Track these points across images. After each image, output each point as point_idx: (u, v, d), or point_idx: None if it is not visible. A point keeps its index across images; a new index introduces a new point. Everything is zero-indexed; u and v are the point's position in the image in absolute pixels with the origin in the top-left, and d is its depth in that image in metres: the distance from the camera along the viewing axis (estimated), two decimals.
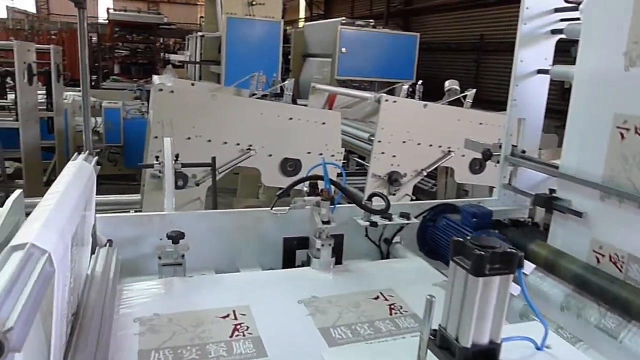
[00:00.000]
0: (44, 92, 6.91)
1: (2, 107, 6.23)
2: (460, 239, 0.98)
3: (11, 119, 5.85)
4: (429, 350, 1.00)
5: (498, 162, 2.72)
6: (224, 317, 1.69)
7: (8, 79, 6.56)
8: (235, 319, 1.69)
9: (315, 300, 1.82)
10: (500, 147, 2.68)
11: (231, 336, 1.59)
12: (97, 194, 5.29)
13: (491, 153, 2.68)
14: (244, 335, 1.60)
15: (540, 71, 2.62)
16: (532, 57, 2.61)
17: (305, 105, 5.84)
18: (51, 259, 0.97)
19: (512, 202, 2.74)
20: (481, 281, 0.94)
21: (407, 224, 2.43)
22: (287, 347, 1.57)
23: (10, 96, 6.23)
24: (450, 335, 1.00)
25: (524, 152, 2.62)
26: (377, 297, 1.87)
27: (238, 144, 4.23)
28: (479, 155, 4.61)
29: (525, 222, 2.64)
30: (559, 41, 2.63)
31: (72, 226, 1.26)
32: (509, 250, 0.94)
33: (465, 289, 0.97)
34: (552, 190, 2.37)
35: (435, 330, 1.04)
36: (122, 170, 7.90)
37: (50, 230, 1.05)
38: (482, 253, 0.92)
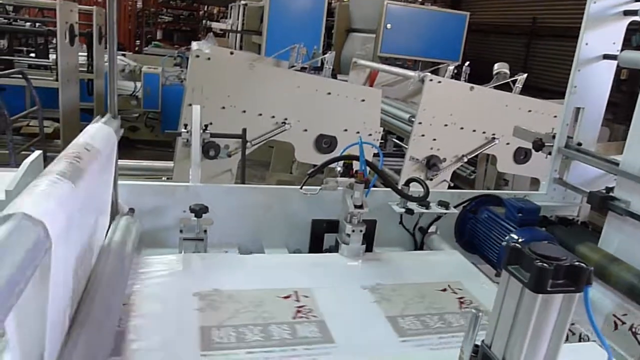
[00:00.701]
0: (86, 54, 6.93)
1: (44, 66, 6.26)
2: (518, 245, 0.82)
3: (52, 78, 5.87)
4: None
5: (549, 153, 2.51)
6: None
7: (54, 40, 6.58)
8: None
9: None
10: (553, 137, 2.47)
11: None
12: (132, 159, 5.26)
13: (543, 143, 2.47)
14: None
15: (606, 56, 2.37)
16: (599, 40, 2.35)
17: (345, 81, 5.65)
18: (47, 230, 0.87)
19: (561, 198, 2.53)
20: (540, 298, 0.79)
21: (445, 213, 2.26)
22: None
23: (52, 56, 6.25)
24: (495, 356, 0.85)
25: (580, 144, 2.40)
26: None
27: (273, 117, 4.09)
28: (524, 144, 4.40)
29: (574, 220, 2.44)
30: None
31: (81, 192, 1.16)
32: (577, 263, 0.78)
33: (519, 305, 0.81)
34: (608, 189, 2.16)
35: (477, 346, 0.89)
36: (159, 136, 7.91)
37: (50, 197, 0.95)
38: (545, 265, 0.76)
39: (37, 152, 1.74)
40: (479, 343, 0.88)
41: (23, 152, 5.12)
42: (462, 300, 1.69)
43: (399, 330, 1.49)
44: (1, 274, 0.72)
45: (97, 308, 1.29)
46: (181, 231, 1.95)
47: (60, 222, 0.96)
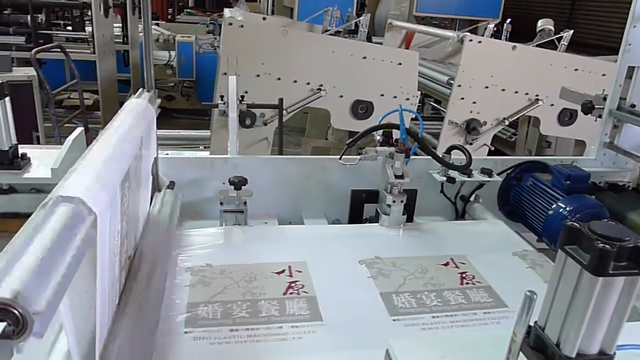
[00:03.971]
0: (120, 25, 6.98)
1: (81, 39, 6.32)
2: (576, 224, 0.78)
3: (89, 51, 5.94)
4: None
5: (599, 116, 2.38)
6: (278, 273, 1.59)
7: (89, 13, 6.62)
8: (291, 275, 1.58)
9: (379, 262, 1.68)
10: (604, 99, 2.34)
11: (285, 294, 1.49)
12: (169, 128, 5.34)
13: (593, 106, 2.35)
14: (298, 294, 1.49)
15: None
16: None
17: (381, 44, 5.51)
18: (92, 211, 0.87)
19: (611, 164, 2.42)
20: (600, 281, 0.74)
21: (488, 181, 2.20)
22: (344, 311, 1.44)
23: (88, 29, 6.31)
24: (549, 338, 0.82)
25: (633, 106, 2.27)
26: (447, 264, 1.70)
27: (308, 83, 4.04)
28: (570, 105, 4.22)
29: (625, 186, 2.34)
30: None
31: (121, 169, 1.16)
32: None
33: (576, 288, 0.77)
34: None
35: (529, 326, 0.85)
36: (195, 104, 7.97)
37: (89, 176, 0.95)
38: (607, 247, 0.72)
39: (79, 129, 1.77)
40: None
41: (66, 125, 5.25)
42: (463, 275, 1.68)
43: None
44: (51, 258, 0.73)
45: (143, 283, 1.32)
46: (221, 203, 1.96)
47: (104, 202, 0.96)
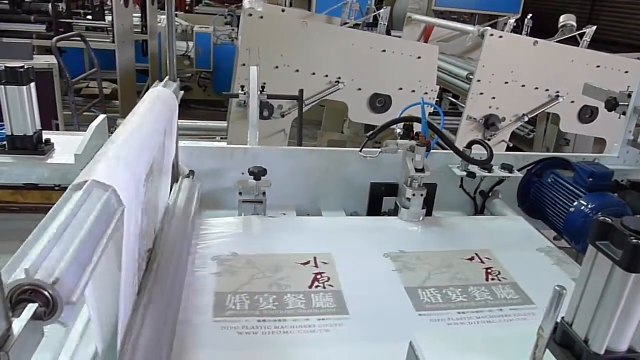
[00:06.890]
0: (140, 15, 7.01)
1: (100, 28, 6.38)
2: (608, 220, 0.76)
3: (108, 40, 5.99)
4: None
5: (624, 113, 2.34)
6: (304, 264, 1.59)
7: (109, 2, 6.67)
8: (316, 267, 1.58)
9: (404, 256, 1.67)
10: (629, 96, 2.29)
11: (311, 287, 1.49)
12: (185, 119, 5.33)
13: (617, 102, 2.30)
14: (324, 288, 1.49)
15: None
16: None
17: (400, 37, 5.47)
18: (118, 195, 0.88)
19: (634, 162, 2.38)
20: (633, 278, 0.73)
21: (509, 177, 2.18)
22: (370, 305, 1.44)
23: (108, 18, 6.36)
24: (577, 335, 0.81)
25: None
26: (473, 259, 1.69)
27: (327, 76, 4.02)
28: (591, 103, 4.16)
29: None
30: None
31: (147, 157, 1.17)
32: None
33: (607, 284, 0.76)
34: None
35: (556, 322, 0.84)
36: (212, 96, 8.01)
37: (119, 164, 0.95)
38: None
39: (102, 116, 1.78)
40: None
41: (85, 114, 5.31)
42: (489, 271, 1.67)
43: None
44: (78, 243, 0.74)
45: (166, 273, 1.33)
46: (240, 194, 1.96)
47: (130, 188, 0.97)
